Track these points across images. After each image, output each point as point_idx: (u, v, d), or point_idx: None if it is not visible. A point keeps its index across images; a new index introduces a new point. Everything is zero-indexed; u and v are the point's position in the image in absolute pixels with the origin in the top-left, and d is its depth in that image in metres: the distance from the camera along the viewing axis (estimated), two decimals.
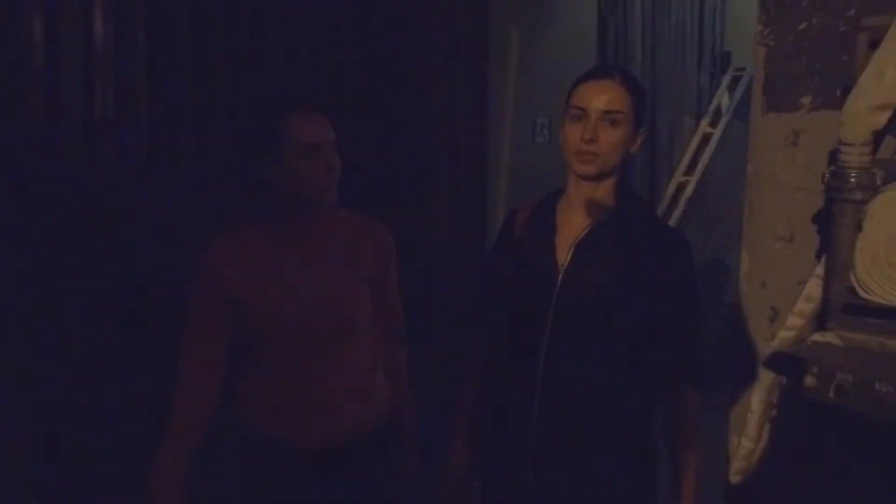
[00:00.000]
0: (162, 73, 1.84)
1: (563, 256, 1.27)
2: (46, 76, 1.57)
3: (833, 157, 1.23)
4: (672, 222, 4.31)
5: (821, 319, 1.27)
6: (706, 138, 4.75)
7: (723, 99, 4.86)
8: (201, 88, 1.94)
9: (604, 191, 1.28)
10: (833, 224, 1.21)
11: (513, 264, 1.35)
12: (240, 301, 1.35)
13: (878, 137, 1.19)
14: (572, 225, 1.29)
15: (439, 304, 2.56)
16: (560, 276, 1.26)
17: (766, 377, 1.37)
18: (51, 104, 1.60)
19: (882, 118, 1.15)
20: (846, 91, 1.20)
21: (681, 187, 4.62)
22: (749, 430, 1.38)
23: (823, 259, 1.26)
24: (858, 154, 1.17)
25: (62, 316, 1.64)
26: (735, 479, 1.44)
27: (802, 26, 1.35)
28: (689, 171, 4.67)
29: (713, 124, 4.77)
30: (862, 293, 1.15)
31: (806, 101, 1.35)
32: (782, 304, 1.37)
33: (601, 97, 1.22)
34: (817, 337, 1.22)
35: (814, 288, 1.27)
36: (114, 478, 1.68)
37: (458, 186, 2.65)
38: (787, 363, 1.33)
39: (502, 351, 1.37)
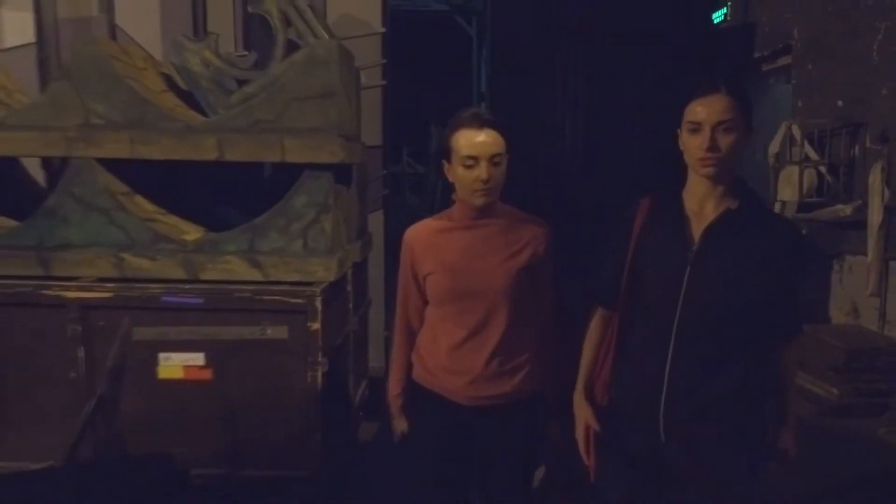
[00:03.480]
0: None
1: (694, 240, 1.49)
2: None
3: None
4: None
5: None
6: None
7: None
8: None
9: (724, 186, 1.49)
10: None
11: (646, 248, 1.56)
12: (424, 276, 1.76)
13: None
14: (702, 214, 1.50)
15: None
16: (692, 256, 1.48)
17: None
18: None
19: None
20: None
21: None
22: None
23: None
24: None
25: None
26: None
27: None
28: None
29: None
30: None
31: None
32: None
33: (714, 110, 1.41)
34: None
35: None
36: None
37: None
38: None
39: (635, 326, 1.61)
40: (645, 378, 1.55)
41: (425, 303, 1.81)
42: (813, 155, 4.37)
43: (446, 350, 1.74)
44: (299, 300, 2.41)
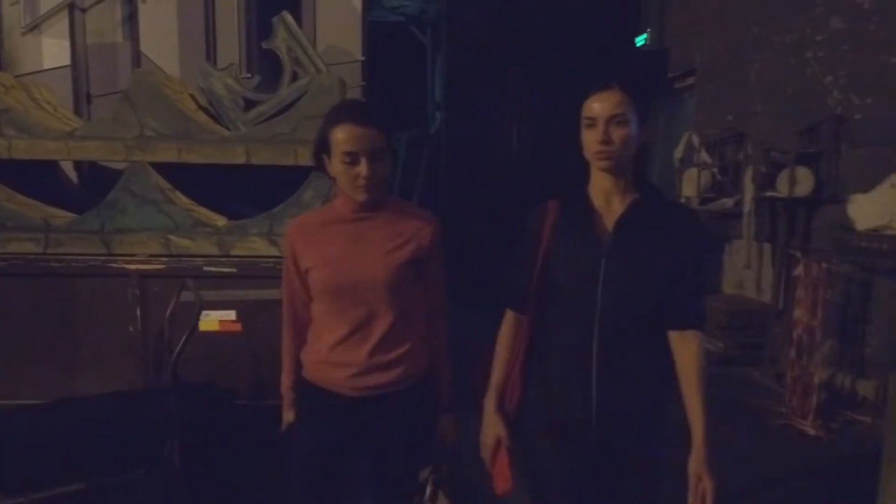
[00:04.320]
0: None
1: (606, 234, 1.53)
2: None
3: None
4: None
5: None
6: None
7: None
8: None
9: (626, 180, 1.54)
10: None
11: (558, 249, 1.56)
12: (307, 270, 1.71)
13: None
14: (610, 208, 1.55)
15: None
16: (606, 249, 1.51)
17: None
18: None
19: None
20: None
21: None
22: None
23: None
24: None
25: None
26: None
27: None
28: None
29: None
30: None
31: None
32: None
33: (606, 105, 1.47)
34: None
35: None
36: None
37: None
38: None
39: (553, 322, 1.59)
40: (571, 378, 1.55)
41: (310, 298, 1.76)
42: (707, 159, 5.40)
43: (329, 345, 1.70)
44: None
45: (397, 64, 12.00)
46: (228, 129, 3.58)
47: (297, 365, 1.82)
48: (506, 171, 7.63)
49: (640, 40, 7.17)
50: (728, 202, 5.00)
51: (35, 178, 3.65)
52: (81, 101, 4.23)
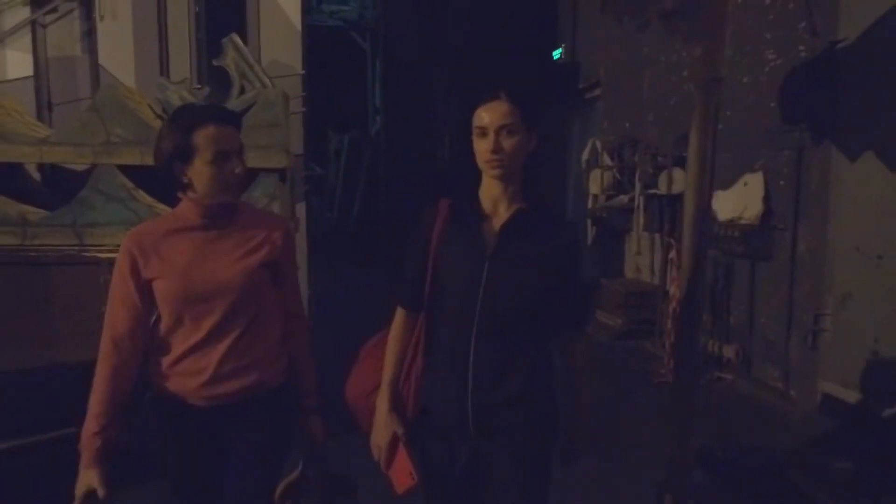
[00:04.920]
0: None
1: (490, 239, 1.57)
2: None
3: None
4: None
5: None
6: None
7: None
8: None
9: (514, 187, 1.59)
10: None
11: (446, 248, 1.59)
12: (151, 280, 1.62)
13: None
14: (497, 214, 1.59)
15: None
16: (489, 253, 1.56)
17: None
18: None
19: None
20: None
21: None
22: None
23: None
24: None
25: None
26: None
27: None
28: None
29: None
30: None
31: None
32: None
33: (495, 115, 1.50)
34: None
35: None
36: None
37: None
38: None
39: (439, 327, 1.62)
40: (451, 377, 1.58)
41: (147, 314, 1.66)
42: (609, 162, 6.21)
43: (180, 354, 1.65)
44: None
45: (339, 68, 12.47)
46: None
47: (114, 405, 1.62)
48: (439, 171, 8.30)
49: (556, 53, 7.95)
50: (624, 199, 5.81)
51: (6, 178, 4.08)
52: (43, 109, 4.66)
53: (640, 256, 5.85)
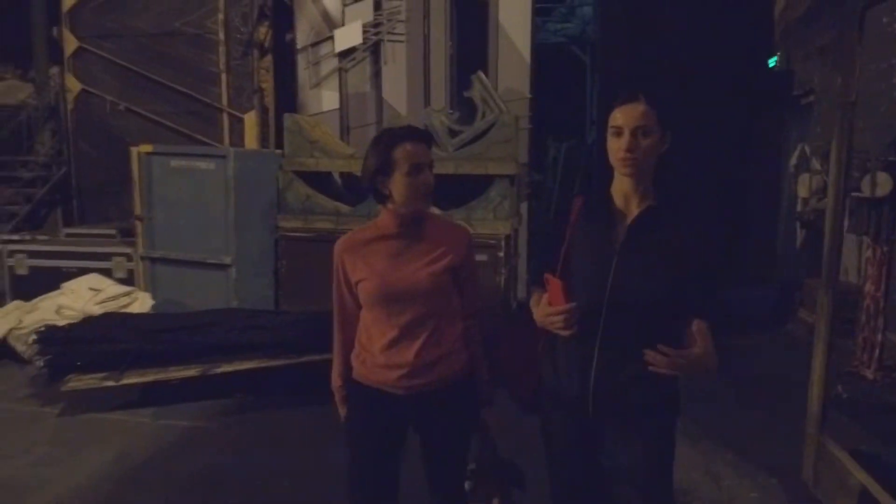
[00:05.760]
0: None
1: (620, 235, 1.63)
2: None
3: None
4: None
5: None
6: None
7: None
8: None
9: (645, 185, 1.64)
10: None
11: (578, 241, 1.68)
12: (357, 282, 1.83)
13: None
14: (627, 211, 1.65)
15: None
16: (618, 248, 1.62)
17: None
18: None
19: None
20: None
21: None
22: None
23: None
24: None
25: None
26: None
27: None
28: None
29: None
30: None
31: None
32: None
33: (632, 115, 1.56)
34: None
35: None
36: None
37: None
38: None
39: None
40: (576, 360, 1.67)
41: (358, 307, 1.89)
42: (817, 166, 6.43)
43: (380, 348, 1.83)
44: (493, 241, 5.01)
45: (560, 80, 13.42)
46: (441, 150, 5.48)
47: (346, 366, 1.95)
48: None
49: (772, 62, 8.15)
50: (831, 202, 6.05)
51: (324, 182, 5.82)
52: (344, 132, 6.42)
53: (846, 258, 6.05)
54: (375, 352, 1.86)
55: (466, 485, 2.00)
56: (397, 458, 1.93)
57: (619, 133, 1.58)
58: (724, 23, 8.29)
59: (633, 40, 9.31)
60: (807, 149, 6.57)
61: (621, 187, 1.66)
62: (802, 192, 6.64)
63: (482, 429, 2.00)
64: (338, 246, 1.88)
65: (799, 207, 6.73)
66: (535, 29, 6.42)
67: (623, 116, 1.58)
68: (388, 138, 1.79)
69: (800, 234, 6.86)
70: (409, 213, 1.81)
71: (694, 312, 1.61)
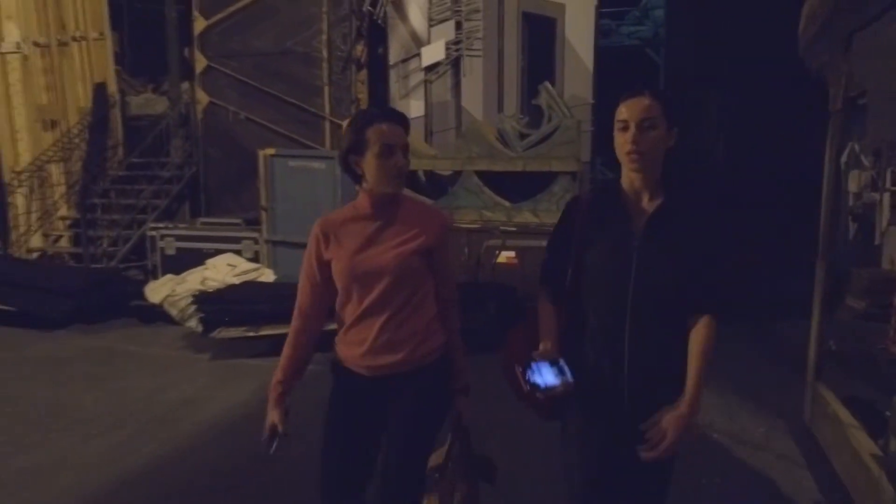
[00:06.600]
0: None
1: (637, 230, 1.64)
2: None
3: None
4: None
5: None
6: None
7: None
8: None
9: (655, 180, 1.67)
10: None
11: (590, 239, 1.68)
12: (329, 261, 1.85)
13: None
14: (640, 206, 1.67)
15: None
16: (637, 243, 1.64)
17: None
18: None
19: None
20: None
21: None
22: None
23: None
24: None
25: None
26: None
27: None
28: None
29: None
30: None
31: None
32: None
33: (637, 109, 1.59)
34: None
35: None
36: None
37: None
38: None
39: (589, 302, 1.69)
40: (606, 355, 1.66)
41: (326, 287, 1.88)
42: (866, 163, 6.86)
43: (347, 325, 1.87)
44: None
45: (635, 83, 13.83)
46: (511, 150, 6.36)
47: (294, 361, 1.92)
48: (713, 172, 9.42)
49: None
50: (876, 196, 6.50)
51: (410, 179, 6.81)
52: (429, 136, 7.39)
53: (890, 248, 6.49)
54: (343, 330, 1.89)
55: (434, 475, 1.95)
56: (368, 442, 1.90)
57: (625, 127, 1.60)
58: (790, 23, 8.70)
59: (700, 41, 9.77)
60: (856, 147, 7.00)
61: (630, 182, 1.67)
62: (853, 187, 7.08)
63: (455, 418, 1.97)
64: (315, 225, 1.88)
65: (850, 202, 7.16)
66: (598, 41, 7.18)
67: (628, 110, 1.60)
68: (363, 118, 1.80)
69: (851, 227, 7.27)
70: (380, 195, 1.81)
71: (699, 306, 1.64)
